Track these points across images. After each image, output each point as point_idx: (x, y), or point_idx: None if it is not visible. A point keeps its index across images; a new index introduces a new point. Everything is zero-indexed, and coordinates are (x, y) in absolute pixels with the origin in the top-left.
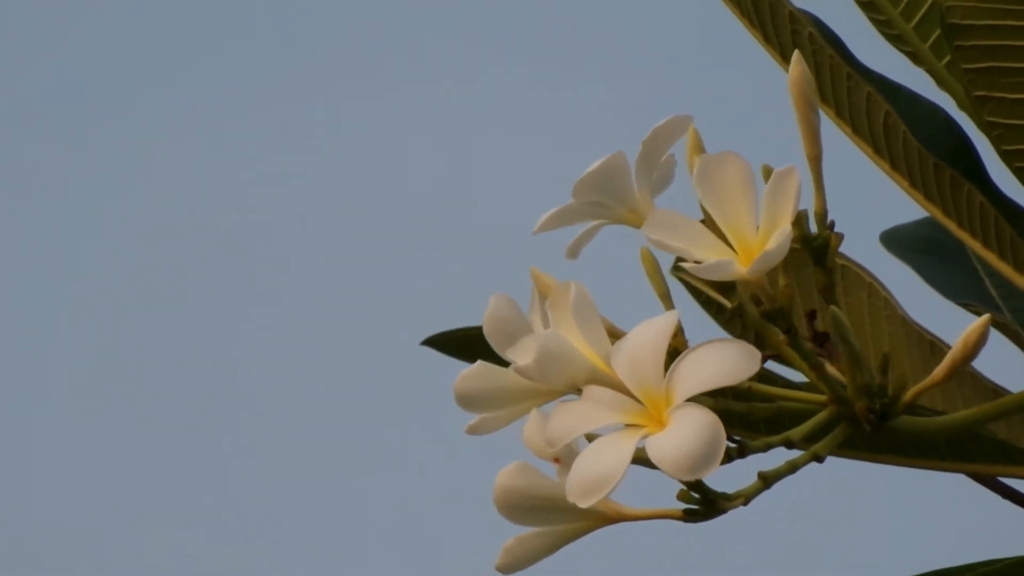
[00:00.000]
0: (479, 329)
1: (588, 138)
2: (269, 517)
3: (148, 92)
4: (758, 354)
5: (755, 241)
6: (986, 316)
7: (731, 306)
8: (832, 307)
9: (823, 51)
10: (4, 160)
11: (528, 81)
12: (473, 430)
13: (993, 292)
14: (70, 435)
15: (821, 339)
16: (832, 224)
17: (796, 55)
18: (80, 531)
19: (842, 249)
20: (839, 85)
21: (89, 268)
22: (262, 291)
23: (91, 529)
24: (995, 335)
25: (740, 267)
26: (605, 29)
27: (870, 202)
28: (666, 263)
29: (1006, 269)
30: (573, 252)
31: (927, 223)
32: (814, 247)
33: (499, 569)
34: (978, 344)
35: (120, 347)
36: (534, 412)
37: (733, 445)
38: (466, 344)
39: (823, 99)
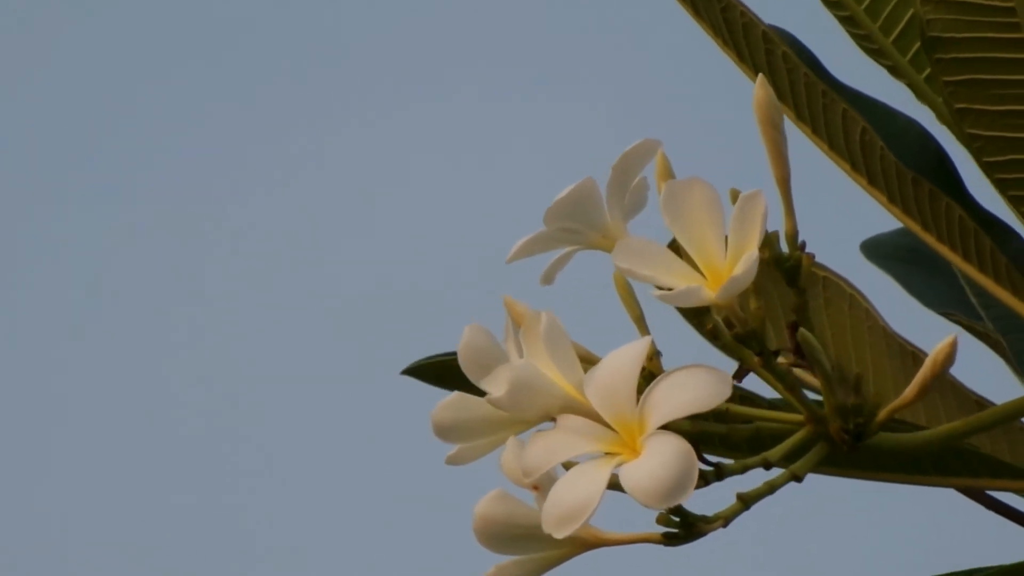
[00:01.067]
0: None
1: (558, 163)
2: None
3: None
4: (729, 379)
5: (724, 266)
6: (952, 336)
7: (707, 329)
8: (801, 329)
9: (797, 69)
10: None
11: (500, 102)
12: (452, 460)
13: (974, 301)
14: None
15: (803, 351)
16: (803, 245)
17: (760, 78)
18: None
19: (823, 262)
20: (815, 102)
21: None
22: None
23: None
24: (976, 345)
25: (709, 292)
26: (580, 49)
27: (851, 213)
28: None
29: (986, 281)
30: (548, 278)
31: (907, 231)
32: (786, 268)
33: None
34: (946, 362)
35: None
36: (511, 440)
37: (710, 468)
38: (446, 372)
39: (799, 117)
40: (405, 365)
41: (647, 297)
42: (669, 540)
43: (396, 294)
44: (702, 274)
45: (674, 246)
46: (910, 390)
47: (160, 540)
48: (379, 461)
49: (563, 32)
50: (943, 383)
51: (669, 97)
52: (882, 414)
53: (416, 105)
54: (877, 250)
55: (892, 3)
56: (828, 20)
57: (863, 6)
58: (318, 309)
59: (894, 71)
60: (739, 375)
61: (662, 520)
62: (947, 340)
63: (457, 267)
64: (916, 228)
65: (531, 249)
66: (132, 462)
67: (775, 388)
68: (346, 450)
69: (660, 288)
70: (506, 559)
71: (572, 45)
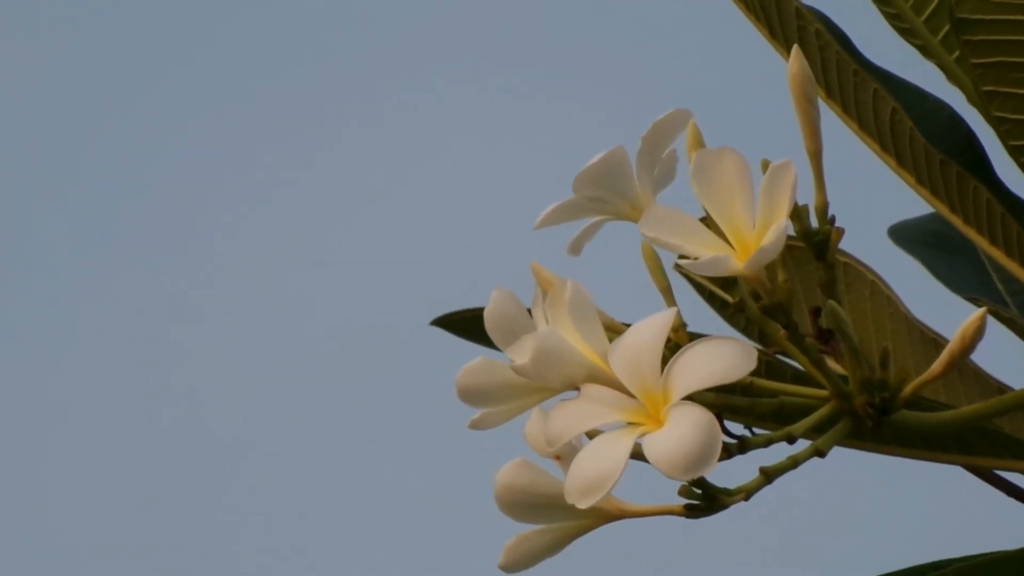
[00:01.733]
0: None
1: (597, 135)
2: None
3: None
4: (754, 351)
5: (752, 237)
6: (983, 309)
7: (732, 301)
8: (830, 301)
9: (829, 47)
10: None
11: (533, 83)
12: (475, 425)
13: (1000, 287)
14: None
15: (826, 336)
16: (833, 219)
17: (795, 50)
18: None
19: (847, 245)
20: (845, 81)
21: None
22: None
23: None
24: (1001, 330)
25: (736, 263)
26: (610, 25)
27: (878, 197)
28: (670, 258)
29: (1012, 266)
30: (575, 248)
31: (935, 217)
32: (815, 242)
33: (502, 568)
34: (975, 337)
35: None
36: (535, 410)
37: (733, 441)
38: (474, 325)
39: (829, 95)
40: (411, 365)
41: (675, 274)
42: (691, 512)
43: (398, 294)
44: (730, 245)
45: (707, 220)
46: (938, 364)
47: (160, 541)
48: (388, 460)
49: (582, 19)
50: (965, 368)
51: (701, 73)
52: (908, 389)
53: (416, 103)
54: (905, 235)
55: None
56: (857, 2)
57: None
58: (319, 308)
59: (925, 51)
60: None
61: (684, 492)
62: (977, 314)
63: (462, 266)
64: (943, 210)
65: (559, 216)
66: (132, 462)
67: (800, 362)
68: (350, 450)
69: (688, 257)
70: (527, 528)
71: (611, 25)
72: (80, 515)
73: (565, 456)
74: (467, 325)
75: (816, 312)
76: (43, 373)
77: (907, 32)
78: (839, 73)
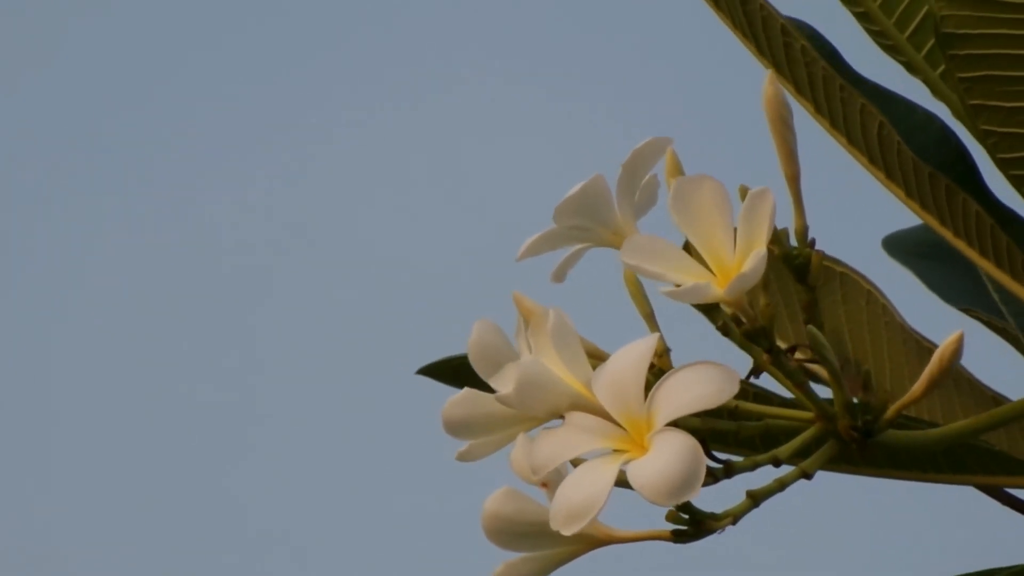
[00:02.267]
0: None
1: (583, 158)
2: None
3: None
4: (736, 376)
5: (732, 263)
6: (958, 332)
7: (717, 326)
8: (809, 326)
9: (816, 63)
10: None
11: (524, 95)
12: (463, 457)
13: (995, 297)
14: None
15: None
16: (813, 242)
17: (769, 75)
18: None
19: (842, 257)
20: (832, 96)
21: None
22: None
23: None
24: (996, 341)
25: (717, 289)
26: (599, 40)
27: (871, 208)
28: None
29: (1003, 277)
30: (559, 276)
31: (929, 227)
32: (795, 265)
33: None
34: (953, 358)
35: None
36: (521, 438)
37: (719, 465)
38: (461, 371)
39: (818, 111)
40: (416, 363)
41: (661, 297)
42: (678, 537)
43: (400, 295)
44: (711, 271)
45: (688, 246)
46: (918, 386)
47: (163, 541)
48: (387, 461)
49: (573, 27)
50: (960, 379)
51: (682, 96)
52: (891, 411)
53: (419, 101)
54: (898, 246)
55: (906, 0)
56: (845, 16)
57: (877, 3)
58: (322, 308)
59: (909, 67)
60: (755, 373)
61: (671, 517)
62: (953, 336)
63: (466, 266)
64: (933, 223)
65: (541, 247)
66: (135, 464)
67: (784, 386)
68: (353, 450)
69: (669, 285)
70: (515, 556)
71: (582, 41)
72: (81, 515)
73: (552, 483)
74: (454, 372)
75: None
76: (41, 372)
77: (891, 49)
78: (826, 89)
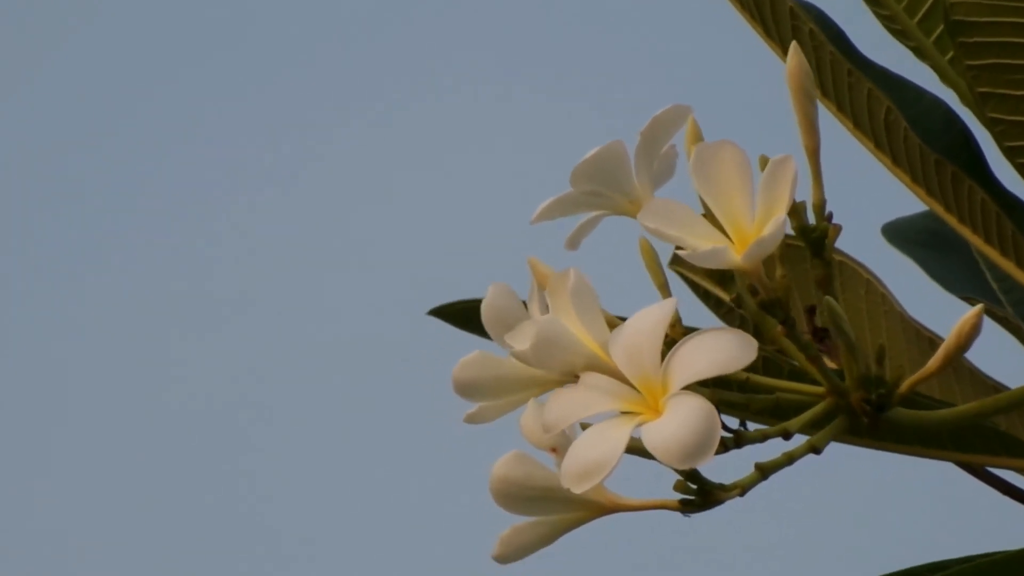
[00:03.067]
0: None
1: (594, 134)
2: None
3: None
4: (754, 343)
5: (751, 230)
6: (980, 306)
7: (729, 298)
8: (827, 298)
9: (824, 47)
10: None
11: (531, 85)
12: (471, 419)
13: (994, 286)
14: None
15: (821, 335)
16: (830, 216)
17: (793, 46)
18: None
19: (843, 245)
20: (840, 81)
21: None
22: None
23: None
24: (996, 329)
25: (735, 255)
26: (606, 26)
27: (873, 196)
28: (665, 257)
29: (1007, 265)
30: (573, 243)
31: (929, 215)
32: (812, 238)
33: (496, 559)
34: (972, 334)
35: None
36: (531, 402)
37: (729, 435)
38: (473, 314)
39: (824, 95)
40: (415, 362)
41: (670, 274)
42: (686, 507)
43: (396, 291)
44: (729, 238)
45: (707, 216)
46: (934, 361)
47: (165, 543)
48: (387, 456)
49: (579, 20)
50: (960, 368)
51: (697, 73)
52: (904, 385)
53: (415, 104)
54: (898, 233)
55: None
56: (855, 2)
57: None
58: (324, 309)
59: (918, 53)
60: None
61: (679, 487)
62: (974, 310)
63: (460, 264)
64: (938, 209)
65: (556, 211)
66: (135, 465)
67: (796, 359)
68: (350, 447)
69: (686, 249)
70: (522, 520)
71: (607, 25)
72: (82, 515)
73: (561, 449)
74: (465, 315)
75: (811, 311)
76: (45, 372)
77: (900, 34)
78: (833, 72)
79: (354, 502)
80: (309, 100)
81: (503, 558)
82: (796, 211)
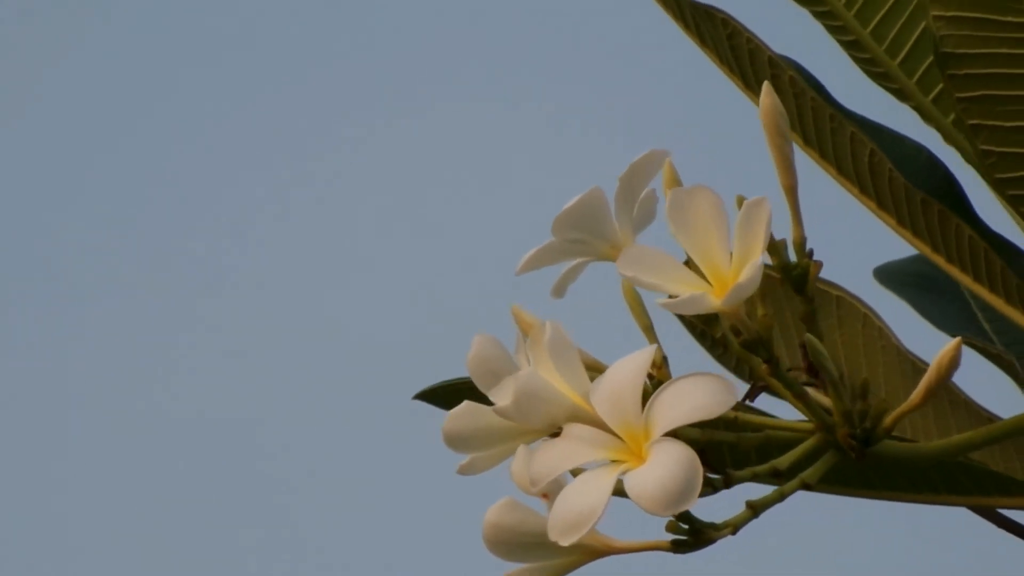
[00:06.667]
0: (470, 380)
1: (569, 184)
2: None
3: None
4: (733, 389)
5: (729, 273)
6: (957, 339)
7: (716, 337)
8: (808, 335)
9: (804, 94)
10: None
11: (508, 121)
12: (464, 470)
13: (986, 326)
14: None
15: (815, 369)
16: (811, 253)
17: (766, 85)
18: None
19: (837, 281)
20: (822, 126)
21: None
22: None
23: None
24: (989, 368)
25: (714, 300)
26: (585, 74)
27: (864, 238)
28: (653, 298)
29: (997, 302)
30: (559, 291)
31: (919, 259)
32: (794, 276)
33: None
34: (951, 366)
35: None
36: (521, 449)
37: (718, 476)
38: (458, 395)
39: (806, 143)
40: (422, 378)
41: (662, 310)
42: (678, 547)
43: (405, 310)
44: (708, 282)
45: (690, 262)
46: (916, 395)
47: (165, 543)
48: (391, 475)
49: (567, 54)
50: (956, 401)
51: (673, 122)
52: (889, 418)
53: (417, 121)
54: (890, 276)
55: (898, 25)
56: (827, 50)
57: (868, 29)
58: (326, 320)
59: (900, 95)
60: (752, 395)
61: (671, 527)
62: (951, 344)
63: (470, 283)
64: (926, 250)
65: (540, 261)
66: (136, 467)
67: (784, 396)
68: (358, 465)
69: (666, 296)
70: (516, 567)
71: (576, 67)
72: (84, 515)
73: (552, 494)
74: (450, 396)
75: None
76: (52, 377)
77: (881, 76)
78: (815, 119)
79: (366, 509)
80: (307, 114)
81: None
82: (776, 249)
